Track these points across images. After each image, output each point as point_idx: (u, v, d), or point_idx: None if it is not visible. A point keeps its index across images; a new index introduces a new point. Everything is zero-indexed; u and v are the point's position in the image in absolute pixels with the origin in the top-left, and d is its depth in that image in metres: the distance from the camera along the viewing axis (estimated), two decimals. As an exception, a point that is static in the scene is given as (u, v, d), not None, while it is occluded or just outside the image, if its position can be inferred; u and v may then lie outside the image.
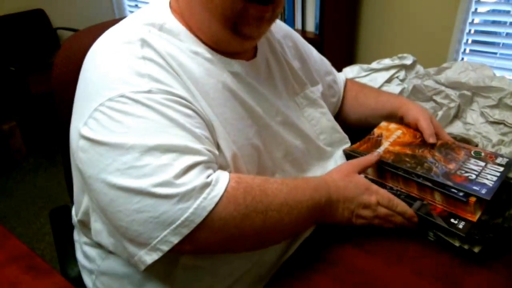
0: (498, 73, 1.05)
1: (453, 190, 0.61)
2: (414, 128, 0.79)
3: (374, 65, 1.20)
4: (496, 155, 0.70)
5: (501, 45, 1.72)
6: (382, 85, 1.15)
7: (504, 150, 0.83)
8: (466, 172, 0.65)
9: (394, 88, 1.14)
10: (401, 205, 0.63)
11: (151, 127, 0.50)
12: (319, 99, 0.81)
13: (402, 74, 1.18)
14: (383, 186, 0.69)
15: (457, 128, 0.96)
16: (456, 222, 0.60)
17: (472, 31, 1.75)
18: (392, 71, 1.18)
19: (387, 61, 1.20)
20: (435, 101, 1.01)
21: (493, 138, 0.91)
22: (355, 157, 0.73)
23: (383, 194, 0.64)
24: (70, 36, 0.78)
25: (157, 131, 0.50)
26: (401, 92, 1.13)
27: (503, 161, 0.68)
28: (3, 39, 2.63)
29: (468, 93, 1.00)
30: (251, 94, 0.66)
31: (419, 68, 1.22)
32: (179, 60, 0.58)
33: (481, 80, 1.00)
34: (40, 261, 0.70)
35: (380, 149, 0.73)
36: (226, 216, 0.49)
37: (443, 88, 1.02)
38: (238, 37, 0.60)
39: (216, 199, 0.48)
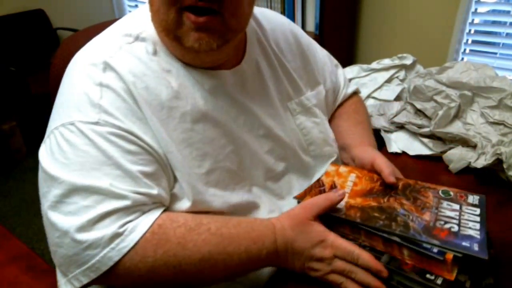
0: (498, 73, 1.05)
1: (425, 245, 0.54)
2: (368, 169, 0.71)
3: (374, 65, 1.20)
4: (465, 193, 0.63)
5: (501, 45, 1.71)
6: (382, 85, 1.15)
7: (503, 149, 0.83)
8: (446, 222, 0.57)
9: (394, 87, 1.14)
10: (364, 257, 0.55)
11: (87, 163, 0.52)
12: (314, 108, 0.77)
13: (402, 74, 1.18)
14: (342, 237, 0.60)
15: (456, 128, 0.96)
16: (433, 278, 0.53)
17: (472, 31, 1.75)
18: (392, 71, 1.18)
19: (387, 61, 1.20)
20: (435, 101, 1.01)
21: (492, 138, 0.91)
22: None
23: (340, 246, 0.56)
24: (68, 37, 0.79)
25: (92, 168, 0.52)
26: (401, 92, 1.13)
27: (475, 200, 0.62)
28: (3, 39, 2.63)
29: (469, 93, 1.00)
30: (229, 107, 0.64)
31: (419, 68, 1.22)
32: (146, 83, 0.57)
33: (482, 80, 1.00)
34: (40, 261, 0.71)
35: (341, 204, 0.62)
36: (131, 266, 0.50)
37: (443, 88, 1.02)
38: (188, 50, 0.57)
39: (125, 250, 0.50)
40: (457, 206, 0.60)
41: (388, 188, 0.65)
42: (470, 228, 0.56)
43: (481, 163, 0.85)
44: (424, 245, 0.54)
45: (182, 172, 0.58)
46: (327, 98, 0.83)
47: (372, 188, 0.65)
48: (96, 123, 0.53)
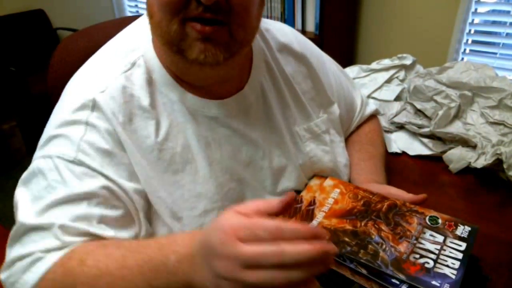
0: (498, 73, 1.05)
1: (393, 281, 0.50)
2: (355, 186, 0.68)
3: (374, 65, 1.20)
4: (455, 222, 0.58)
5: (501, 45, 1.71)
6: (382, 85, 1.15)
7: (503, 149, 0.83)
8: (422, 256, 0.53)
9: (394, 88, 1.14)
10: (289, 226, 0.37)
11: (52, 198, 0.52)
12: (324, 134, 0.73)
13: (402, 74, 1.18)
14: None
15: (456, 128, 0.96)
16: None
17: (472, 31, 1.75)
18: (392, 71, 1.18)
19: (386, 61, 1.20)
20: (435, 101, 1.01)
21: (492, 138, 0.91)
22: None
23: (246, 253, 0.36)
24: (67, 36, 0.78)
25: (55, 204, 0.52)
26: (401, 92, 1.13)
27: (465, 231, 0.56)
28: (3, 39, 2.63)
29: (469, 93, 1.00)
30: (229, 141, 0.62)
31: (419, 68, 1.21)
32: (135, 125, 0.57)
33: (482, 81, 1.00)
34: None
35: (313, 224, 0.58)
36: None
37: (444, 88, 1.02)
38: (190, 64, 0.54)
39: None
40: (440, 238, 0.56)
41: (370, 210, 0.61)
42: (447, 266, 0.51)
43: (481, 163, 0.85)
44: (393, 280, 0.50)
45: (178, 215, 0.57)
46: (341, 117, 0.79)
47: (353, 208, 0.61)
48: (72, 162, 0.53)
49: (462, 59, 1.80)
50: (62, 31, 2.93)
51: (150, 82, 0.58)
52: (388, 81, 1.16)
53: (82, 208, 0.52)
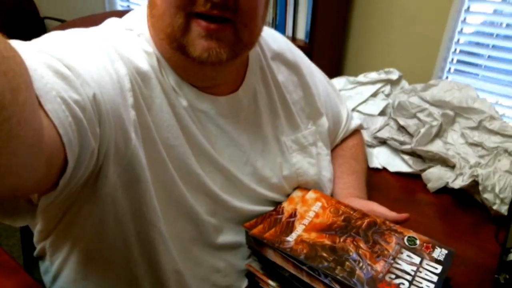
0: (479, 94, 1.07)
1: None
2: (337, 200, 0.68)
3: (361, 78, 1.21)
4: (433, 244, 0.59)
5: (483, 67, 1.75)
6: (367, 99, 1.16)
7: (480, 171, 0.85)
8: (398, 277, 0.53)
9: (379, 102, 1.15)
10: None
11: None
12: (311, 147, 0.73)
13: (387, 88, 1.19)
14: (283, 271, 0.57)
15: (437, 146, 0.97)
16: None
17: (458, 50, 1.78)
18: (378, 85, 1.19)
19: (373, 75, 1.21)
20: (418, 118, 1.02)
21: (471, 159, 0.93)
22: (259, 242, 0.59)
23: None
24: (55, 27, 0.76)
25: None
26: (386, 107, 1.14)
27: (441, 254, 0.57)
28: (-13, 24, 2.56)
29: (451, 113, 1.02)
30: (217, 137, 0.60)
31: (404, 83, 1.23)
32: (152, 100, 0.54)
33: (464, 101, 1.01)
34: (7, 258, 0.68)
35: (292, 237, 0.58)
36: None
37: (427, 106, 1.04)
38: (191, 61, 0.52)
39: None
40: (417, 259, 0.56)
41: (350, 226, 0.61)
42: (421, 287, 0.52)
43: (458, 183, 0.87)
44: None
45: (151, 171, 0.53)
46: (328, 129, 0.79)
47: (333, 223, 0.61)
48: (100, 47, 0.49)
49: (447, 77, 1.83)
50: (50, 20, 2.87)
51: (159, 67, 0.56)
52: (374, 95, 1.17)
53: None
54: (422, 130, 0.98)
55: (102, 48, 0.50)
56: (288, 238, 0.58)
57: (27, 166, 0.32)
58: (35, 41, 0.46)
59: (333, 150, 0.85)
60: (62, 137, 0.37)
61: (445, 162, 0.95)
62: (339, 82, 1.22)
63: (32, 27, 2.81)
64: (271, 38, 0.72)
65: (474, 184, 0.85)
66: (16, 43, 0.41)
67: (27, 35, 0.53)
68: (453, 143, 0.99)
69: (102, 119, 0.44)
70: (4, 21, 2.66)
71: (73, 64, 0.43)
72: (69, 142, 0.38)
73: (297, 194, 0.69)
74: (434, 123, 0.99)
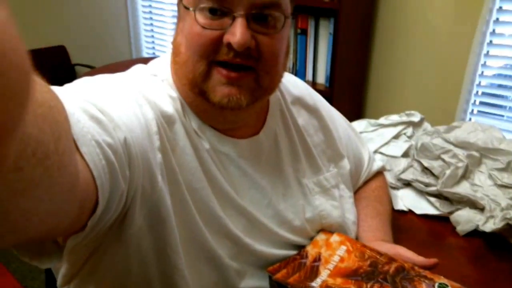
0: (505, 135, 1.05)
1: None
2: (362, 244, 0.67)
3: (382, 120, 1.21)
4: None
5: (507, 108, 1.73)
6: (389, 141, 1.15)
7: (513, 215, 0.82)
8: None
9: (402, 144, 1.14)
10: None
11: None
12: (333, 189, 0.72)
13: (409, 130, 1.19)
14: None
15: (464, 188, 0.95)
16: None
17: (480, 93, 1.77)
18: (400, 127, 1.19)
19: (395, 117, 1.21)
20: (443, 159, 1.01)
21: (501, 201, 0.89)
22: (282, 287, 0.57)
23: None
24: (84, 73, 0.81)
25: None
26: (409, 148, 1.13)
27: None
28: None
29: (477, 154, 1.00)
30: (238, 179, 0.60)
31: (427, 125, 1.23)
32: (177, 141, 0.55)
33: (489, 142, 1.00)
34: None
35: (317, 282, 0.56)
36: None
37: (451, 147, 1.02)
38: (212, 106, 0.54)
39: None
40: None
41: (377, 271, 0.59)
42: None
43: (489, 227, 0.83)
44: None
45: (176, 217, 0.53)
46: (350, 172, 0.78)
47: (359, 268, 0.59)
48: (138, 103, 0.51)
49: (470, 119, 1.81)
50: (80, 67, 3.03)
51: (183, 110, 0.58)
52: (396, 137, 1.17)
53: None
54: (448, 172, 0.96)
55: (130, 93, 0.52)
56: (313, 284, 0.56)
57: (63, 211, 0.33)
58: (68, 86, 0.48)
59: (356, 192, 0.84)
60: (96, 179, 0.38)
61: (473, 204, 0.92)
62: (361, 124, 1.22)
63: (63, 73, 2.97)
64: (291, 84, 0.74)
65: (508, 227, 0.82)
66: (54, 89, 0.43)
67: (59, 81, 0.55)
68: (481, 185, 0.96)
69: (132, 163, 0.45)
70: (37, 66, 2.82)
71: (105, 108, 0.45)
72: (102, 185, 0.39)
73: (321, 237, 0.67)
74: (460, 164, 0.97)
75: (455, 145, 1.03)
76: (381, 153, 1.13)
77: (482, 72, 1.74)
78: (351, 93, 2.03)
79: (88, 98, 0.45)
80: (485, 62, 1.71)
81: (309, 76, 1.96)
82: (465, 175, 0.99)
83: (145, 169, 0.48)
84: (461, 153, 1.01)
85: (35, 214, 0.28)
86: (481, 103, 1.79)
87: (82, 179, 0.35)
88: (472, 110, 1.81)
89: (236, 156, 0.61)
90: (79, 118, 0.40)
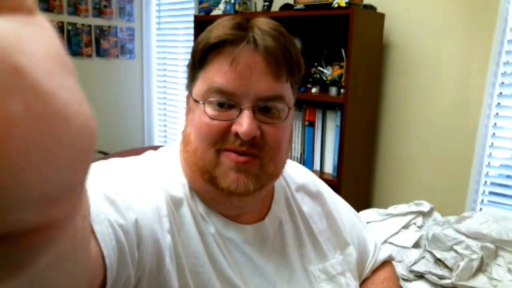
0: (519, 227, 1.03)
1: None
2: None
3: (391, 210, 1.20)
4: None
5: (519, 199, 1.71)
6: (399, 231, 1.13)
7: (537, 313, 0.76)
8: None
9: (412, 234, 1.11)
10: None
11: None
12: (339, 276, 0.70)
13: (419, 220, 1.17)
14: None
15: (481, 282, 0.90)
16: None
17: (488, 183, 1.77)
18: (409, 217, 1.17)
19: (403, 207, 1.21)
20: (455, 251, 0.98)
21: (522, 298, 0.84)
22: None
23: None
24: (98, 158, 0.83)
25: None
26: (420, 239, 1.10)
27: None
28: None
29: (491, 245, 0.97)
30: (242, 266, 0.60)
31: (437, 215, 1.21)
32: (184, 230, 0.56)
33: (504, 233, 0.97)
34: None
35: None
36: None
37: (463, 238, 1.00)
38: (220, 192, 0.56)
39: None
40: None
41: None
42: None
43: (512, 326, 0.78)
44: None
45: None
46: (356, 260, 0.76)
47: None
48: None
49: (481, 209, 1.79)
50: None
51: (192, 196, 0.60)
52: (405, 226, 1.15)
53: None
54: (462, 264, 0.93)
55: (142, 176, 0.55)
56: None
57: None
58: None
59: (363, 283, 0.80)
60: (105, 259, 0.38)
61: (493, 301, 0.87)
62: (369, 214, 1.21)
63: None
64: (295, 171, 0.76)
65: (531, 327, 0.76)
66: None
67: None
68: (500, 279, 0.91)
69: (141, 244, 0.46)
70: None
71: (119, 190, 0.47)
72: (110, 264, 0.39)
73: None
74: (474, 256, 0.94)
75: (467, 236, 1.01)
76: (391, 243, 1.10)
77: (489, 163, 1.76)
78: (358, 183, 2.03)
79: (102, 180, 0.47)
80: (490, 153, 1.74)
81: (317, 166, 1.99)
82: (481, 267, 0.94)
83: (154, 250, 0.49)
84: (474, 244, 0.98)
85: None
86: (491, 192, 1.78)
87: (92, 257, 0.36)
88: (482, 200, 1.79)
89: (241, 242, 0.61)
90: (95, 197, 0.42)
